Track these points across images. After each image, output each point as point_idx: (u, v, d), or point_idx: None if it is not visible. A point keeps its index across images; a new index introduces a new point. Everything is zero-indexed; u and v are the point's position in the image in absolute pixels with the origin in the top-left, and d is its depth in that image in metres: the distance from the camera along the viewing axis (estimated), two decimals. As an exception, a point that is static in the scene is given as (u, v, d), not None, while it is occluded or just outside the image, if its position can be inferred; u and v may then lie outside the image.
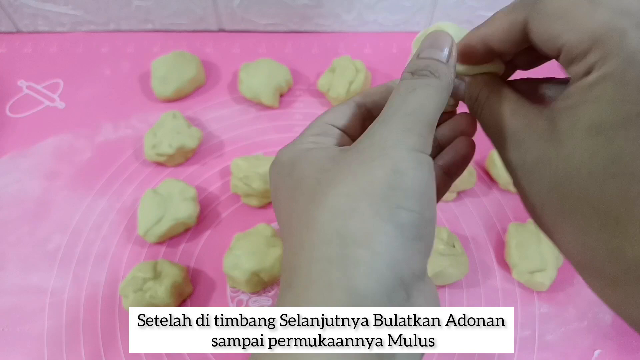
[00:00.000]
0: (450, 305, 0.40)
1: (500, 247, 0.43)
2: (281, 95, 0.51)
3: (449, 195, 0.44)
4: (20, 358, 0.38)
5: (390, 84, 0.24)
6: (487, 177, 0.46)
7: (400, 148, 0.18)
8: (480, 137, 0.51)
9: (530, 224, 0.41)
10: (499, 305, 0.40)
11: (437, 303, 0.19)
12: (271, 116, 0.50)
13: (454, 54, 0.21)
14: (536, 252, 0.40)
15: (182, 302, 0.40)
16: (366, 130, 0.20)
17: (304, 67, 0.53)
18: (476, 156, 0.47)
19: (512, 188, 0.45)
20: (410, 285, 0.17)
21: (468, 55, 0.21)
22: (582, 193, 0.16)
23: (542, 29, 0.18)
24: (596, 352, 0.38)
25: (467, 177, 0.43)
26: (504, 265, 0.42)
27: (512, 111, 0.19)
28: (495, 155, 0.44)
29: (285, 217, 0.20)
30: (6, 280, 0.41)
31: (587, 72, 0.17)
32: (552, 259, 0.39)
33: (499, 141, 0.20)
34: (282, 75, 0.50)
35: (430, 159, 0.19)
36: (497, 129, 0.20)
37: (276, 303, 0.18)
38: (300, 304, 0.17)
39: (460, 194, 0.45)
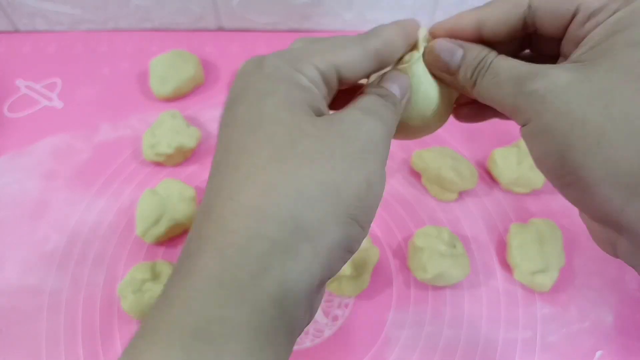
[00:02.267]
0: (451, 306, 0.40)
1: (501, 248, 0.42)
2: (281, 95, 0.51)
3: (450, 195, 0.44)
4: (18, 359, 0.38)
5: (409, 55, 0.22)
6: (489, 177, 0.46)
7: (377, 159, 0.18)
8: (480, 138, 0.51)
9: (532, 224, 0.41)
10: (500, 307, 0.40)
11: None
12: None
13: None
14: (538, 253, 0.39)
15: (181, 303, 0.40)
16: (348, 111, 0.19)
17: (303, 66, 0.53)
18: (478, 156, 0.47)
19: (514, 188, 0.44)
20: (322, 286, 0.18)
21: (453, 34, 0.22)
22: None
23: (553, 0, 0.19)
24: (598, 353, 0.38)
25: (469, 177, 0.43)
26: (506, 266, 0.41)
27: (526, 63, 0.19)
28: (496, 155, 0.44)
29: (234, 149, 0.18)
30: (4, 280, 0.41)
31: (605, 20, 0.18)
32: (553, 259, 0.39)
33: (505, 81, 0.19)
34: (281, 74, 0.50)
35: (385, 175, 0.19)
36: (506, 71, 0.19)
37: (185, 258, 0.17)
38: (229, 284, 0.15)
39: (461, 194, 0.45)
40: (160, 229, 0.41)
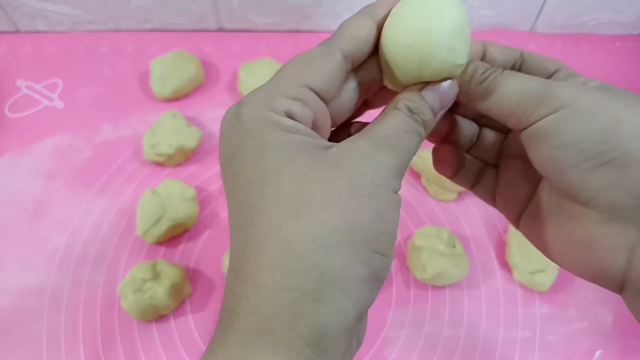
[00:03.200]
0: (451, 306, 0.40)
1: (501, 248, 0.42)
2: (281, 95, 0.51)
3: (449, 195, 0.44)
4: (19, 358, 0.38)
5: (372, 22, 0.21)
6: (488, 177, 0.46)
7: (388, 190, 0.18)
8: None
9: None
10: (499, 306, 0.40)
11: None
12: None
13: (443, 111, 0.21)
14: (537, 253, 0.39)
15: (181, 303, 0.40)
16: (359, 142, 0.18)
17: (303, 67, 0.53)
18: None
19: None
20: (363, 316, 0.19)
21: None
22: None
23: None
24: (597, 353, 0.38)
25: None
26: (505, 265, 0.41)
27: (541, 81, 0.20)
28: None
29: (246, 208, 0.18)
30: (5, 280, 0.41)
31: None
32: (553, 259, 0.39)
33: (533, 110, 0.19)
34: (282, 74, 0.50)
35: (400, 198, 0.19)
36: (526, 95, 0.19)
37: (224, 326, 0.17)
38: (264, 332, 0.16)
39: (460, 194, 0.45)
40: (161, 228, 0.41)
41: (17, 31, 0.56)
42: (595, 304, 0.40)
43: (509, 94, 0.20)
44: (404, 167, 0.19)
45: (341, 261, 0.17)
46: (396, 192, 0.19)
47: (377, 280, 0.18)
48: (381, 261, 0.18)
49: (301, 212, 0.17)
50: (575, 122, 0.18)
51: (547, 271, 0.39)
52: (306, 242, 0.17)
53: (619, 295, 0.40)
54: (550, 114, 0.19)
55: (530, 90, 0.19)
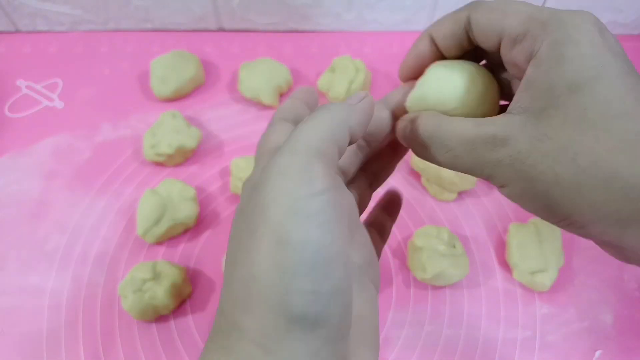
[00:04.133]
0: (451, 306, 0.40)
1: (501, 248, 0.42)
2: (281, 95, 0.51)
3: (449, 195, 0.44)
4: (19, 358, 0.38)
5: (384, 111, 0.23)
6: (488, 177, 0.46)
7: (282, 201, 0.15)
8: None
9: (531, 224, 0.41)
10: (499, 306, 0.40)
11: None
12: (271, 116, 0.50)
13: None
14: (537, 253, 0.40)
15: (181, 303, 0.40)
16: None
17: (303, 67, 0.53)
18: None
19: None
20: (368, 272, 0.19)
21: (419, 59, 0.22)
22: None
23: (483, 20, 0.20)
24: (597, 353, 0.38)
25: (468, 177, 0.43)
26: (505, 265, 0.41)
27: (475, 123, 0.19)
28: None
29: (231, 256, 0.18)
30: (5, 280, 0.41)
31: (532, 49, 0.18)
32: (553, 259, 0.39)
33: (464, 154, 0.19)
34: (281, 74, 0.50)
35: (334, 194, 0.16)
36: (461, 144, 0.19)
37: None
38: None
39: (460, 194, 0.45)
40: (161, 228, 0.41)
41: (17, 31, 0.57)
42: (595, 304, 0.40)
43: (456, 169, 0.20)
44: (312, 153, 0.18)
45: (254, 318, 0.16)
46: (308, 195, 0.16)
47: (311, 328, 0.15)
48: (300, 301, 0.15)
49: (229, 266, 0.17)
50: (520, 200, 0.19)
51: (547, 271, 0.39)
52: (226, 301, 0.17)
53: (619, 296, 0.40)
54: (501, 187, 0.19)
55: (471, 170, 0.20)
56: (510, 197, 0.19)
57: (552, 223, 0.19)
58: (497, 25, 0.19)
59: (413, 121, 0.21)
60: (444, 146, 0.20)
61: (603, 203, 0.16)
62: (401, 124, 0.22)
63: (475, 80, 0.21)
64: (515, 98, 0.19)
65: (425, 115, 0.21)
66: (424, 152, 0.21)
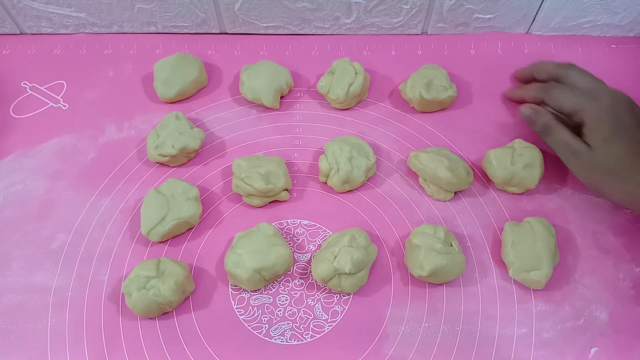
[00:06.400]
0: (448, 303, 0.41)
1: (497, 246, 0.43)
2: (282, 97, 0.52)
3: (446, 195, 0.45)
4: (23, 356, 0.39)
5: None
6: (484, 177, 0.47)
7: None
8: (477, 139, 0.52)
9: (527, 223, 0.42)
10: (496, 304, 0.41)
11: None
12: (272, 117, 0.51)
13: None
14: (532, 251, 0.40)
15: (184, 300, 0.41)
16: None
17: (304, 69, 0.54)
18: (473, 156, 0.48)
19: (508, 188, 0.45)
20: None
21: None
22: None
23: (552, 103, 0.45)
24: (593, 350, 0.39)
25: (465, 178, 0.44)
26: (501, 263, 0.42)
27: (572, 136, 0.41)
28: (491, 155, 0.45)
29: None
30: (10, 279, 0.42)
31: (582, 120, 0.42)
32: (548, 257, 0.40)
33: (567, 151, 0.41)
34: (282, 77, 0.50)
35: None
36: (564, 146, 0.42)
37: None
38: None
39: (457, 193, 0.46)
40: (165, 227, 0.42)
41: (22, 33, 0.57)
42: (591, 301, 0.41)
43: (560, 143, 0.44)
44: None
45: None
46: None
47: None
48: None
49: None
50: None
51: (542, 269, 0.40)
52: None
53: (614, 294, 0.43)
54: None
55: (564, 160, 0.43)
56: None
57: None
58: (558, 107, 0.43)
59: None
60: (553, 141, 0.43)
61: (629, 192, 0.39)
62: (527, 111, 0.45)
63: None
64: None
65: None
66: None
